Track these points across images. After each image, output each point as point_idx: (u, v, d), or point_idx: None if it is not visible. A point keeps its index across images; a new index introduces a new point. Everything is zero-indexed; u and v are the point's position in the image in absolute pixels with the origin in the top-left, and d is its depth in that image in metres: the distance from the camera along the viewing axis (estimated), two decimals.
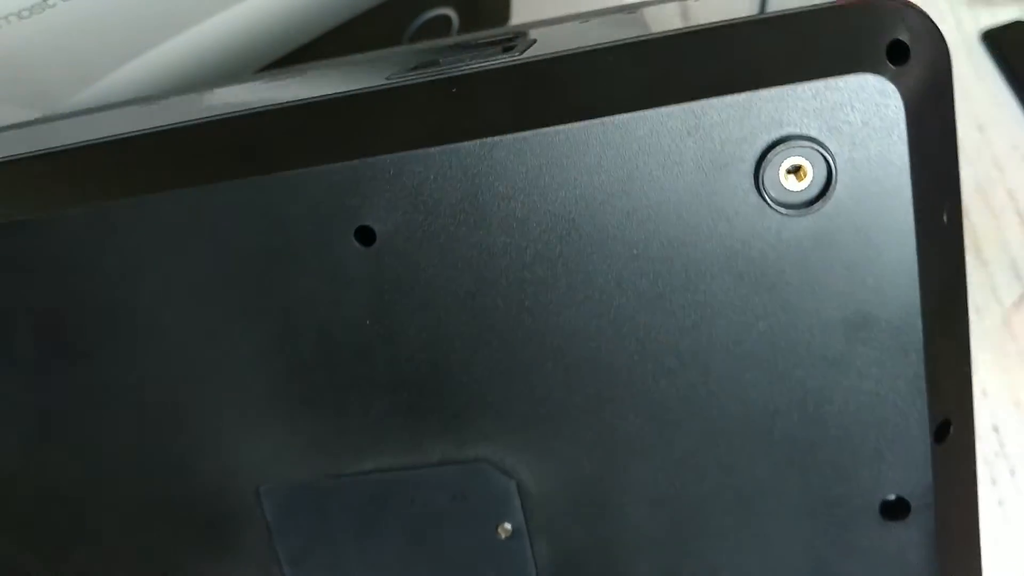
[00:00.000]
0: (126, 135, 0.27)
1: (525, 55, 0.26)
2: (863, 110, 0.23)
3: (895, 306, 0.25)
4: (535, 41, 0.28)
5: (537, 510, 0.28)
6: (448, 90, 0.26)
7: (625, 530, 0.28)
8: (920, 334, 0.25)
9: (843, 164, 0.24)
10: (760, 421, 0.26)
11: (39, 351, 0.28)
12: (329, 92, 0.27)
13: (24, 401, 0.29)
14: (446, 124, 0.25)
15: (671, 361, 0.26)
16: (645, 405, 0.26)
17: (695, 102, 0.24)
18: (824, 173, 0.24)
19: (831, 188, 0.24)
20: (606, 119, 0.24)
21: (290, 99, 0.27)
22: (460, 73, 0.26)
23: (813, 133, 0.23)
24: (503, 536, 0.29)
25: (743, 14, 0.26)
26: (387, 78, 0.27)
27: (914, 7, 0.24)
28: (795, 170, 0.24)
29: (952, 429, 0.26)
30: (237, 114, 0.27)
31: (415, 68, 0.28)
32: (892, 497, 0.27)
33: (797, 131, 0.23)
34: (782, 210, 0.24)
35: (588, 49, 0.25)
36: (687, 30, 0.25)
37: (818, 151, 0.24)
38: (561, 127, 0.24)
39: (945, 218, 0.25)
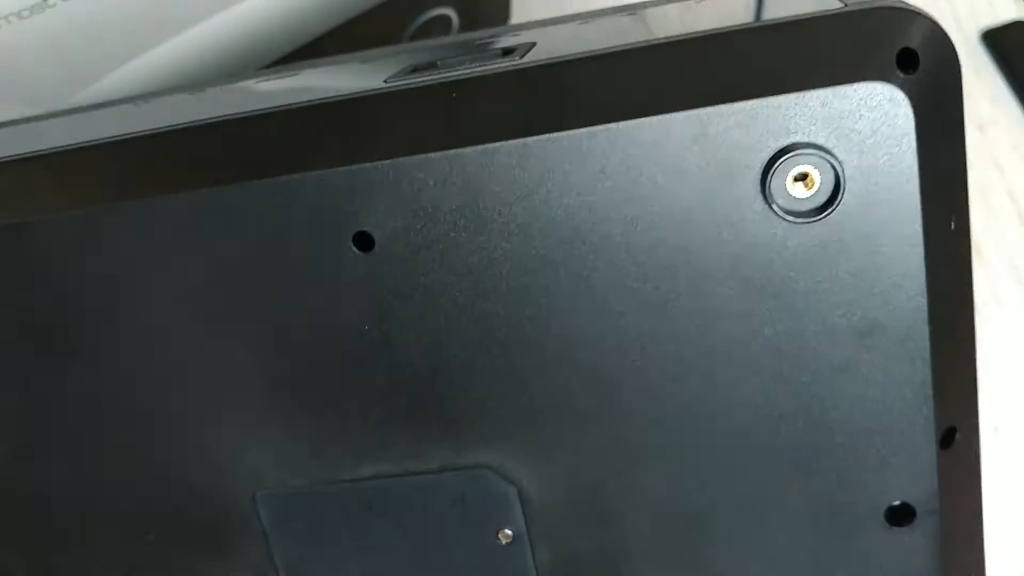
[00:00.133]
0: (120, 137, 0.27)
1: (526, 59, 0.26)
2: (872, 118, 0.23)
3: (902, 313, 0.25)
4: (535, 44, 0.28)
5: (538, 516, 0.28)
6: (448, 94, 0.25)
7: (627, 537, 0.28)
8: (927, 341, 0.25)
9: (851, 172, 0.23)
10: (765, 428, 0.26)
11: (34, 356, 0.28)
12: (326, 95, 0.26)
13: (19, 406, 0.28)
14: (446, 129, 0.25)
15: (675, 368, 0.26)
16: (648, 412, 0.26)
17: (701, 109, 0.23)
18: (832, 181, 0.24)
19: (839, 196, 0.24)
20: (610, 125, 0.24)
21: (287, 102, 0.27)
22: (460, 77, 0.26)
23: (821, 141, 0.23)
24: (504, 543, 0.29)
25: (742, 16, 0.25)
26: (385, 81, 0.27)
27: (924, 14, 0.24)
28: (802, 178, 0.24)
29: (958, 436, 0.26)
30: (234, 117, 0.27)
31: (414, 71, 0.28)
32: (897, 503, 0.26)
33: (805, 139, 0.23)
34: (789, 218, 0.24)
35: (591, 54, 0.25)
36: (693, 35, 0.24)
37: (826, 159, 0.23)
38: (564, 133, 0.24)
39: (953, 225, 0.25)
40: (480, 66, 0.26)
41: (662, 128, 0.24)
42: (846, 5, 0.24)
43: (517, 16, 0.52)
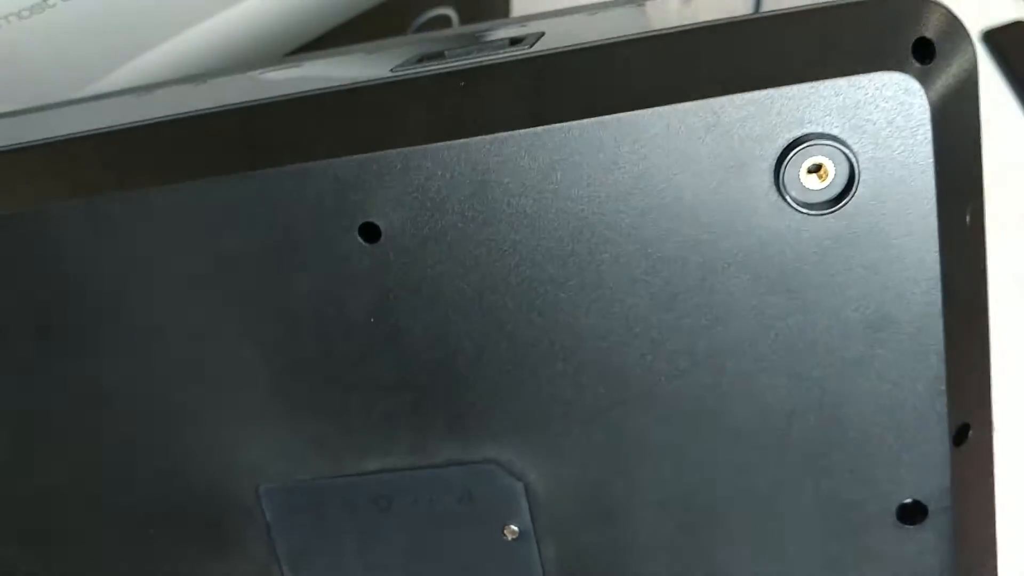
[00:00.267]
0: (125, 126, 0.27)
1: (535, 48, 0.26)
2: (887, 109, 0.23)
3: (916, 307, 0.24)
4: (543, 34, 0.28)
5: (545, 512, 0.28)
6: (457, 83, 0.25)
7: (635, 533, 0.28)
8: (941, 336, 0.24)
9: (866, 163, 0.23)
10: (776, 423, 0.26)
11: (37, 347, 0.27)
12: (333, 84, 0.26)
13: (21, 399, 0.28)
14: (455, 118, 0.25)
15: (685, 362, 0.25)
16: (657, 406, 0.26)
17: (714, 99, 0.23)
18: (846, 172, 0.23)
19: (853, 188, 0.23)
20: (621, 115, 0.24)
21: (293, 91, 0.26)
22: (469, 66, 0.25)
23: (835, 131, 0.23)
24: (510, 538, 0.28)
25: (743, 8, 0.25)
26: (392, 70, 0.27)
27: (939, 3, 0.23)
28: (816, 169, 0.23)
29: (971, 432, 0.26)
30: (239, 106, 0.26)
31: (421, 60, 0.28)
32: (909, 501, 0.26)
33: (819, 129, 0.23)
34: (802, 210, 0.24)
35: (602, 43, 0.25)
36: (705, 24, 0.24)
37: (840, 150, 0.23)
38: (575, 123, 0.24)
39: (968, 219, 0.24)
40: (488, 55, 0.26)
41: (674, 117, 0.23)
42: None
43: (517, 14, 0.52)
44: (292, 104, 0.26)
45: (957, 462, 0.26)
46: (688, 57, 0.24)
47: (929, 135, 0.23)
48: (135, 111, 0.29)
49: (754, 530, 0.27)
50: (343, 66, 0.32)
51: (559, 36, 0.27)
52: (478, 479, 0.28)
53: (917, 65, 0.23)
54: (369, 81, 0.26)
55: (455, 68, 0.25)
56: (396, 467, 0.28)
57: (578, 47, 0.25)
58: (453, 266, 0.25)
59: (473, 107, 0.25)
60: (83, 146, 0.27)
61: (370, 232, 0.25)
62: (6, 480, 0.29)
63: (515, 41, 0.27)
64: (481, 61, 0.25)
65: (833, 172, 0.23)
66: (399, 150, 0.24)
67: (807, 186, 0.23)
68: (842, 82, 0.23)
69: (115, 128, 0.27)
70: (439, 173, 0.25)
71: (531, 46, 0.26)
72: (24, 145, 0.27)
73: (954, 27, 0.23)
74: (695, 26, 0.24)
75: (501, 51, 0.26)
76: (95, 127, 0.27)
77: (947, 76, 0.23)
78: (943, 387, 0.25)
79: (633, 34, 0.25)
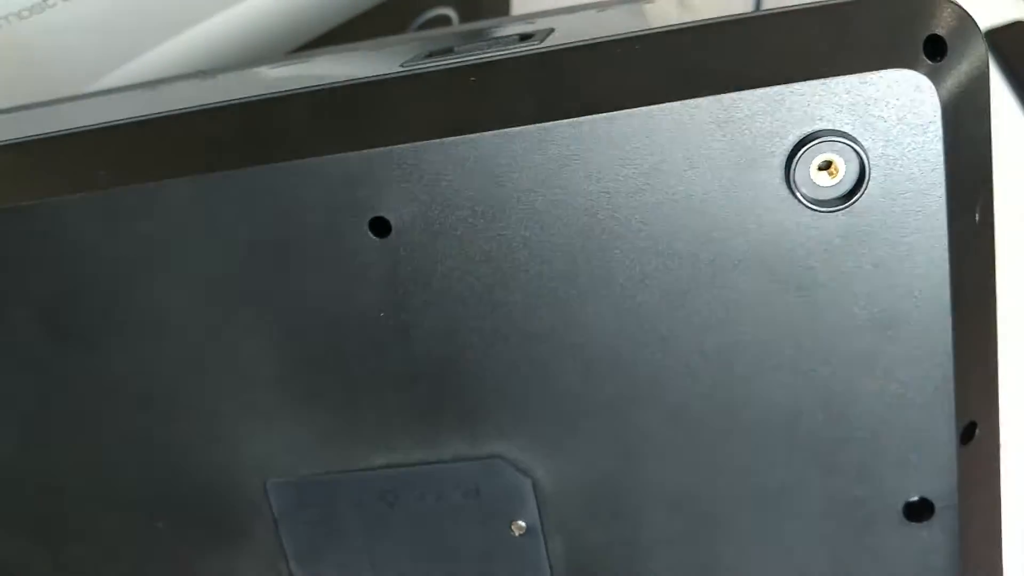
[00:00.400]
0: (135, 119, 0.27)
1: (546, 44, 0.26)
2: (898, 106, 0.23)
3: (925, 305, 0.24)
4: (553, 30, 0.28)
5: (552, 508, 0.28)
6: (467, 79, 0.25)
7: (642, 530, 0.28)
8: (950, 334, 0.24)
9: (876, 160, 0.23)
10: (784, 420, 0.26)
11: (45, 339, 0.27)
12: (342, 79, 0.26)
13: (30, 391, 0.28)
14: (465, 114, 0.25)
15: (694, 359, 0.26)
16: (666, 403, 0.26)
17: (725, 95, 0.23)
18: (856, 169, 0.23)
19: (863, 185, 0.23)
20: (632, 111, 0.24)
21: (302, 86, 0.26)
22: (479, 61, 0.25)
23: (846, 128, 0.23)
24: (517, 534, 0.28)
25: (743, 6, 0.25)
26: (401, 65, 0.27)
27: (952, 1, 0.23)
28: (827, 166, 0.23)
29: (978, 430, 0.26)
30: (249, 100, 0.26)
31: (430, 56, 0.28)
32: (916, 499, 0.26)
33: (830, 126, 0.23)
34: (813, 207, 0.24)
35: (613, 38, 0.25)
36: (716, 20, 0.24)
37: (851, 147, 0.23)
38: (586, 118, 0.24)
39: (977, 217, 0.24)
40: (498, 51, 0.26)
41: (685, 113, 0.23)
42: None
43: (516, 14, 0.52)
44: (302, 98, 0.26)
45: (964, 460, 0.26)
46: (699, 53, 0.24)
47: (940, 132, 0.23)
48: (143, 106, 0.29)
49: (761, 527, 0.27)
50: (351, 62, 0.32)
51: (568, 32, 0.27)
52: (486, 475, 0.28)
53: (928, 62, 0.23)
54: (379, 76, 0.26)
55: (465, 63, 0.25)
56: (404, 462, 0.28)
57: (588, 43, 0.25)
58: (463, 261, 0.25)
59: (484, 102, 0.25)
60: (92, 139, 0.27)
61: (380, 227, 0.25)
62: (15, 473, 0.29)
63: (525, 37, 0.27)
64: (491, 56, 0.25)
65: (843, 169, 0.23)
66: (410, 145, 0.24)
67: (817, 183, 0.24)
68: (853, 79, 0.23)
69: (125, 121, 0.27)
70: (449, 168, 0.25)
71: (541, 42, 0.26)
72: (32, 139, 0.27)
73: (965, 24, 0.23)
74: (706, 22, 0.24)
75: (511, 47, 0.26)
76: (105, 120, 0.27)
77: (958, 73, 0.23)
78: (951, 385, 0.25)
79: (644, 30, 0.25)
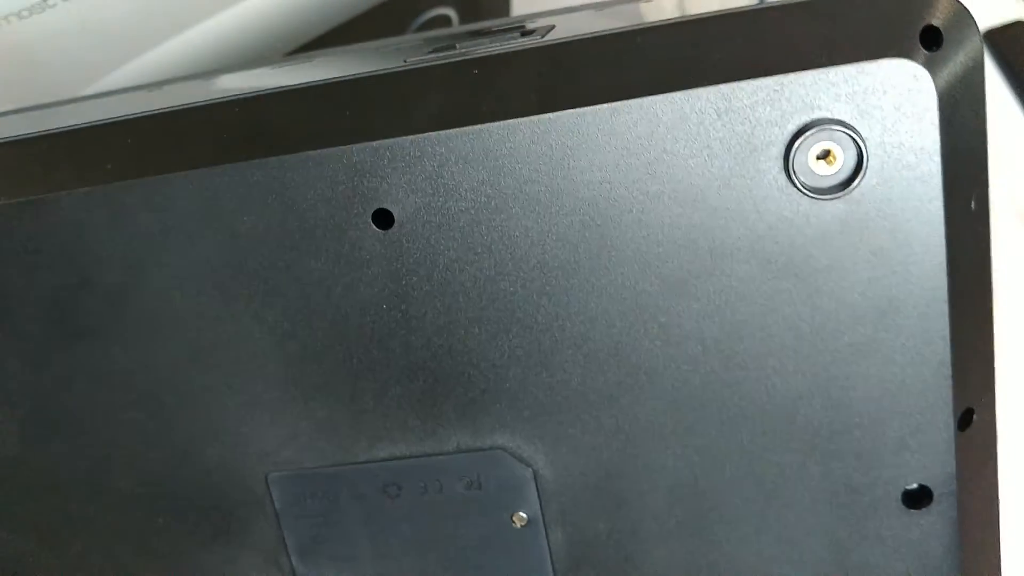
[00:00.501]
0: (139, 114, 0.27)
1: (547, 38, 0.26)
2: (895, 95, 0.23)
3: (922, 292, 0.25)
4: (554, 26, 0.28)
5: (554, 499, 0.28)
6: (470, 71, 0.25)
7: (643, 519, 0.28)
8: (947, 321, 0.25)
9: (874, 149, 0.23)
10: (783, 408, 0.26)
11: (49, 332, 0.28)
12: (347, 74, 0.26)
13: (31, 386, 0.28)
14: (468, 105, 0.25)
15: (694, 347, 0.26)
16: (666, 392, 0.26)
17: (725, 84, 0.23)
18: (854, 158, 0.24)
19: (861, 173, 0.24)
20: (633, 101, 0.24)
21: (307, 80, 0.27)
22: (482, 55, 0.26)
23: (844, 117, 0.23)
24: (518, 525, 0.28)
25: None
26: (405, 60, 0.27)
27: None
28: (825, 154, 0.24)
29: (975, 417, 0.26)
30: (253, 94, 0.27)
31: (433, 51, 0.28)
32: (915, 485, 0.26)
33: (828, 115, 0.23)
34: (811, 194, 0.24)
35: (614, 31, 0.25)
36: (717, 12, 0.24)
37: (849, 135, 0.23)
38: (587, 108, 0.24)
39: (973, 205, 0.25)
40: (500, 45, 0.26)
41: (686, 103, 0.24)
42: None
43: (516, 14, 0.53)
44: (307, 91, 0.26)
45: (961, 447, 0.26)
46: (699, 44, 0.24)
47: (936, 121, 0.23)
48: (148, 103, 0.29)
49: (760, 514, 0.27)
50: (355, 59, 0.32)
51: (569, 28, 0.27)
52: (487, 466, 0.28)
53: (925, 52, 0.23)
54: (383, 69, 0.26)
55: (468, 57, 0.26)
56: (405, 454, 0.28)
57: (590, 35, 0.25)
58: (465, 252, 0.26)
59: (486, 94, 0.25)
60: (98, 133, 0.27)
61: (383, 219, 0.26)
62: (17, 467, 0.29)
63: (526, 32, 0.28)
64: (494, 50, 0.26)
65: (841, 157, 0.24)
66: (413, 137, 0.25)
67: (816, 171, 0.24)
68: (851, 68, 0.23)
69: (130, 116, 0.27)
70: (452, 160, 0.25)
71: (543, 36, 0.27)
72: (38, 134, 0.27)
73: (961, 15, 0.24)
74: (706, 14, 0.24)
75: (513, 41, 0.27)
76: (110, 116, 0.27)
77: (954, 63, 0.23)
78: (949, 372, 0.25)
79: (646, 23, 0.25)
